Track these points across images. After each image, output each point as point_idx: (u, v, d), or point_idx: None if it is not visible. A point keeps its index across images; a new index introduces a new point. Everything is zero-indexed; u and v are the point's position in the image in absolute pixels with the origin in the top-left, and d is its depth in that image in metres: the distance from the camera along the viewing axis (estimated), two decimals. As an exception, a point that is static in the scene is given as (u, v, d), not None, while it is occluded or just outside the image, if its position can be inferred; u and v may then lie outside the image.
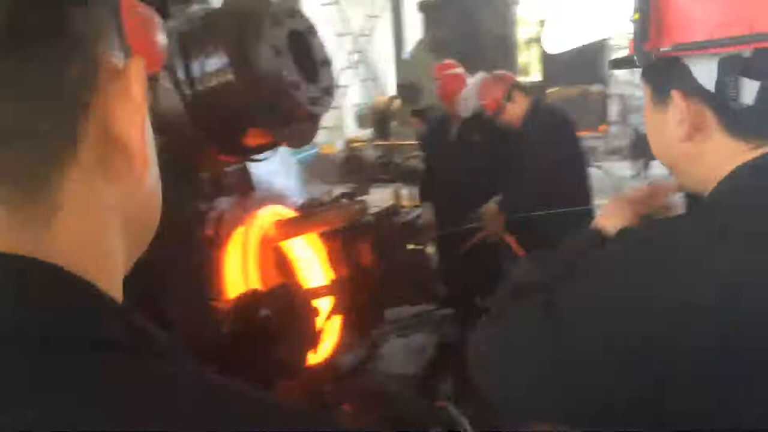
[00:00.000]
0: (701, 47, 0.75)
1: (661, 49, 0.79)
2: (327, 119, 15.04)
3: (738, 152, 0.78)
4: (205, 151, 2.69)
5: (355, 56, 16.50)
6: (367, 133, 12.63)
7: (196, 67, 2.43)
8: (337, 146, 11.27)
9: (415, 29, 13.76)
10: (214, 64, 2.42)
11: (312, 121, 2.66)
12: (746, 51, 0.73)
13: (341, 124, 16.09)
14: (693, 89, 0.78)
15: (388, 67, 16.21)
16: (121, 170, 0.42)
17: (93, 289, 0.38)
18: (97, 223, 0.40)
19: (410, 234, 3.79)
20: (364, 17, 16.36)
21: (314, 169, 7.06)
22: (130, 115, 0.41)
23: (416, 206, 4.71)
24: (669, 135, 0.83)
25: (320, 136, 13.63)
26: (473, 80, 3.67)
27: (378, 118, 10.56)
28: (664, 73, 0.82)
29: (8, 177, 0.36)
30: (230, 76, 2.39)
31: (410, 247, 3.98)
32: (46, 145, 0.37)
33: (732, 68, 0.73)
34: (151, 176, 0.46)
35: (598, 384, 0.75)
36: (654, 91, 0.86)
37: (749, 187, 0.76)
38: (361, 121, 12.53)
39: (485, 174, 3.53)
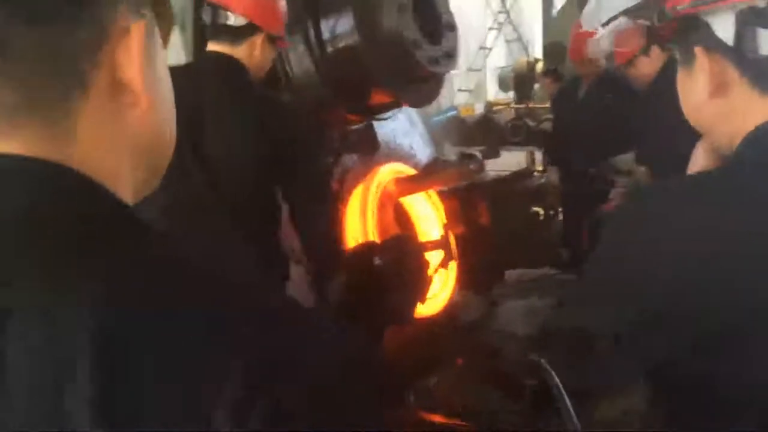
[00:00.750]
0: (717, 0, 0.74)
1: (679, 7, 0.78)
2: (468, 81, 14.79)
3: (765, 108, 0.76)
4: (334, 110, 2.85)
5: (501, 17, 16.13)
6: (509, 96, 12.42)
7: (325, 30, 2.58)
8: (477, 109, 11.17)
9: (565, -14, 13.21)
10: (341, 26, 2.55)
11: (434, 82, 2.73)
12: (761, 1, 0.72)
13: (483, 87, 15.93)
14: (714, 44, 0.76)
15: (536, 26, 15.74)
16: (128, 106, 0.54)
17: (106, 191, 0.50)
18: (108, 146, 0.53)
19: (535, 197, 3.77)
20: (511, -24, 15.94)
21: (448, 131, 7.11)
22: (132, 65, 0.52)
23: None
24: (697, 94, 0.82)
25: (460, 99, 13.50)
26: (614, 23, 3.46)
27: (519, 81, 10.35)
28: (686, 31, 0.80)
29: (39, 110, 0.50)
30: (356, 38, 2.51)
31: (535, 210, 3.96)
32: (64, 87, 0.51)
33: (749, 20, 0.72)
34: (156, 112, 0.57)
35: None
36: (680, 51, 0.85)
37: None
38: (503, 83, 12.32)
39: (614, 136, 3.39)
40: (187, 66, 2.00)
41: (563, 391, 1.60)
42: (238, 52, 1.92)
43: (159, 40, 0.59)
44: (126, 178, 0.55)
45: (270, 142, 1.91)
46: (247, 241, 1.90)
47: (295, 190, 2.03)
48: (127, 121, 0.54)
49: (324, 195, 2.25)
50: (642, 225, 0.82)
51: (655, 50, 3.18)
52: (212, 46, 1.95)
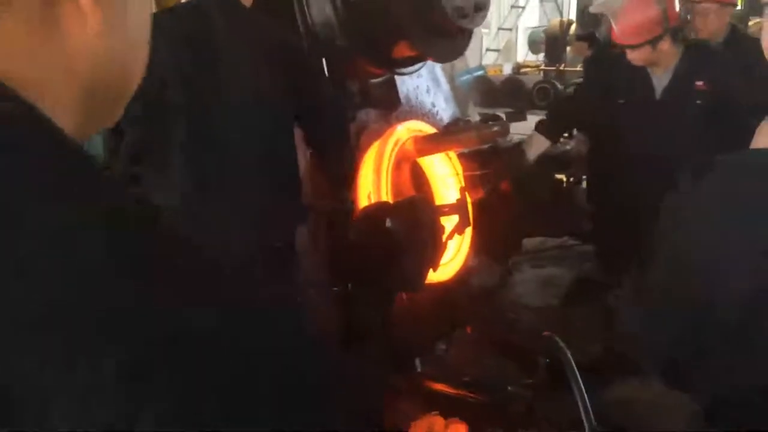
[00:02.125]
0: None
1: None
2: (498, 41, 14.42)
3: None
4: (354, 62, 2.72)
5: (537, -25, 15.63)
6: (539, 58, 12.08)
7: (347, -24, 2.44)
8: (505, 70, 10.88)
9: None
10: (365, -28, 2.41)
11: (461, 37, 2.57)
12: None
13: (513, 47, 15.50)
14: None
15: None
16: (72, 28, 0.43)
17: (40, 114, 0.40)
18: (40, 65, 0.42)
19: (559, 164, 3.63)
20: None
21: (474, 91, 6.93)
22: None
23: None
24: None
25: (489, 58, 13.16)
26: None
27: (551, 43, 10.02)
28: None
29: None
30: (380, -15, 2.37)
31: (559, 177, 3.82)
32: None
33: None
34: (110, 37, 0.46)
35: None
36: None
37: None
38: (534, 45, 11.97)
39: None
40: (193, 6, 1.94)
41: (576, 369, 1.52)
42: None
43: None
44: (64, 107, 0.44)
45: (281, 69, 1.95)
46: (265, 179, 1.91)
47: (313, 117, 2.08)
48: (69, 46, 0.44)
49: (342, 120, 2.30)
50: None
51: (665, 44, 2.72)
52: None
